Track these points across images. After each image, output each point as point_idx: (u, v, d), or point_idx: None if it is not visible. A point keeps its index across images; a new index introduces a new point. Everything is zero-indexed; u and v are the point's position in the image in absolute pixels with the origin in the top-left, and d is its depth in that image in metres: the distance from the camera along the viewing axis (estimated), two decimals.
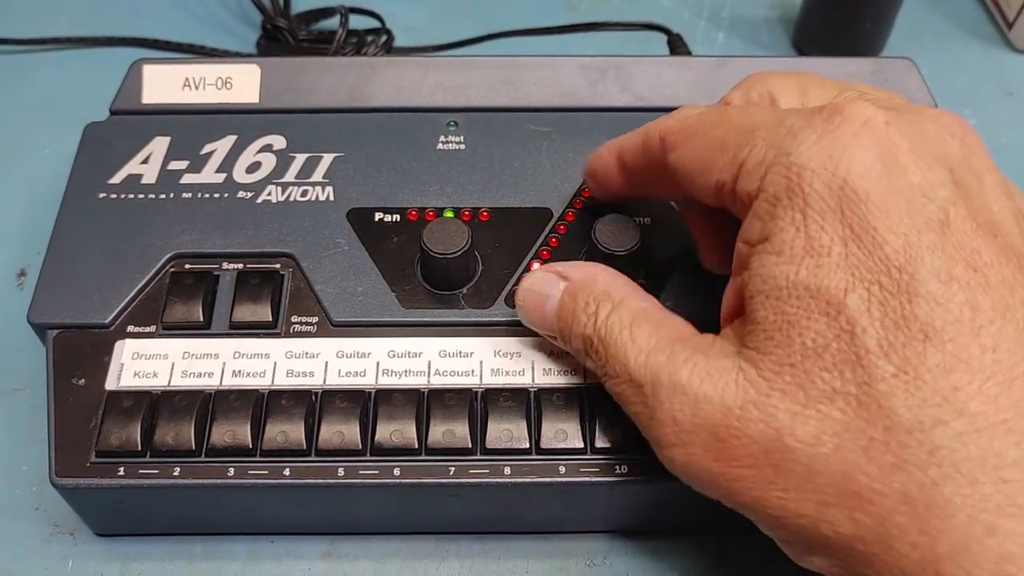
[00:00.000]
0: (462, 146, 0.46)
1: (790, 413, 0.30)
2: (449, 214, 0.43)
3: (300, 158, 0.45)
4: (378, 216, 0.43)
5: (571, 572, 0.41)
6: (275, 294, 0.41)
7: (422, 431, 0.38)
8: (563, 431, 0.38)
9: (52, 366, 0.39)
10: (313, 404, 0.39)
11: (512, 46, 0.59)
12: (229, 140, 0.45)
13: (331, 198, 0.44)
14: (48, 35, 0.61)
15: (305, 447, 0.38)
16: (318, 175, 0.45)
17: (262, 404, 0.39)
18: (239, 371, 0.39)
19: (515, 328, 0.41)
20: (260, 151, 0.45)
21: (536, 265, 0.42)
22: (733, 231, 0.34)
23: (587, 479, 0.38)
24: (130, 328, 0.40)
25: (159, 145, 0.45)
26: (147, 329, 0.40)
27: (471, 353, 0.40)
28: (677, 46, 0.56)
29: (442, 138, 0.46)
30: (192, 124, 0.46)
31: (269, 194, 0.44)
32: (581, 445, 0.38)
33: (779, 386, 0.30)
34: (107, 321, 0.40)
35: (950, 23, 0.64)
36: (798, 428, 0.29)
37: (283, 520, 0.41)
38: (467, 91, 0.47)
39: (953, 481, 0.27)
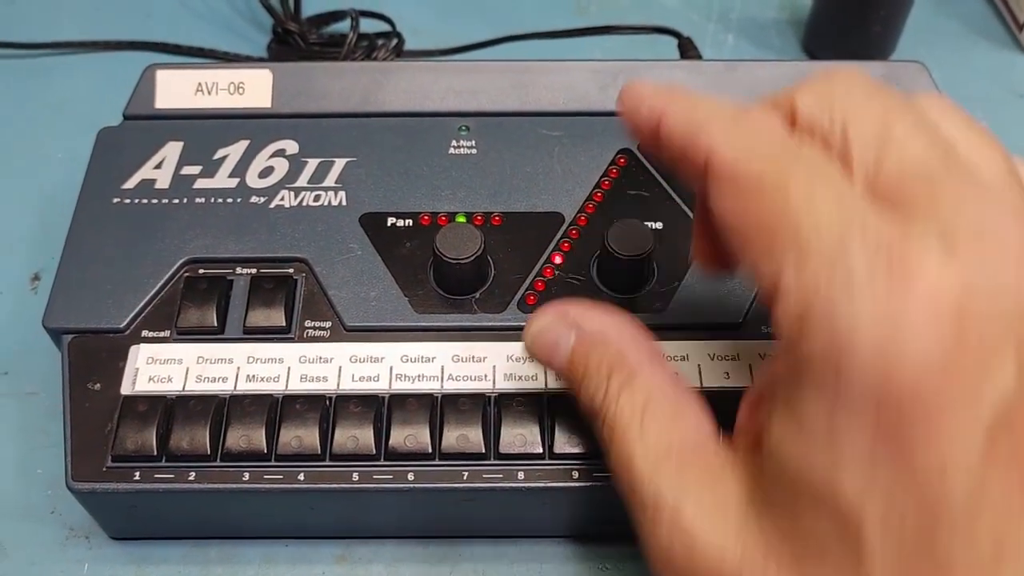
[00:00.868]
0: (474, 150, 0.46)
1: None
2: (461, 219, 0.44)
3: (312, 163, 0.45)
4: (391, 221, 0.43)
5: None
6: (288, 299, 0.41)
7: (436, 436, 0.38)
8: (576, 436, 0.38)
9: (67, 371, 0.40)
10: (327, 409, 0.39)
11: (522, 49, 0.59)
12: (242, 145, 0.46)
13: (344, 203, 0.44)
14: (61, 39, 0.61)
15: (319, 452, 0.38)
16: (330, 180, 0.45)
17: (276, 409, 0.39)
18: (253, 376, 0.40)
19: None
20: (273, 156, 0.45)
21: (548, 270, 0.42)
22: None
23: (600, 483, 0.38)
24: (145, 333, 0.41)
25: (172, 150, 0.46)
26: (162, 334, 0.41)
27: (484, 358, 0.40)
28: (687, 49, 0.56)
29: (454, 142, 0.46)
30: (205, 129, 0.46)
31: (282, 199, 0.44)
32: (594, 450, 0.38)
33: (776, 561, 0.27)
34: (122, 326, 0.40)
35: (960, 25, 0.64)
36: None
37: (297, 524, 0.41)
38: (478, 95, 0.47)
39: None
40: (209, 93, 0.47)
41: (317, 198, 0.44)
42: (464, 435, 0.38)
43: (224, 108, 0.47)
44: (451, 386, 0.39)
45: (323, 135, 0.46)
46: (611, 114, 0.47)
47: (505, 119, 0.47)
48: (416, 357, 0.40)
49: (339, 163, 0.45)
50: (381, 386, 0.39)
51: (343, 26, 0.60)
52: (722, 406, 0.39)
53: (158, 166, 0.45)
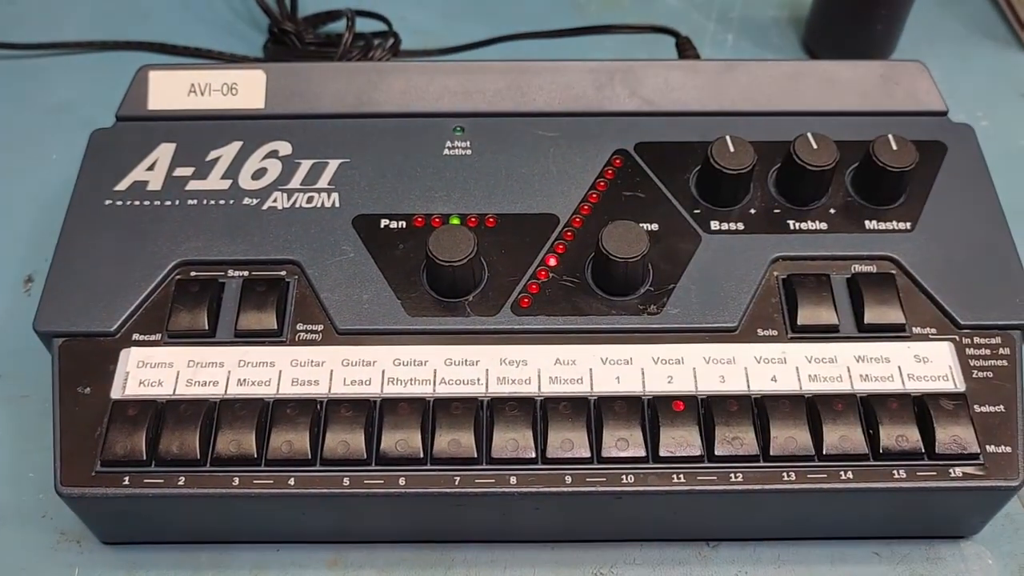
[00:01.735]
0: (468, 151, 0.46)
1: None
2: (455, 221, 0.43)
3: (306, 164, 0.45)
4: (384, 223, 0.43)
5: None
6: (280, 302, 0.41)
7: (427, 440, 0.38)
8: (569, 440, 0.38)
9: (58, 375, 0.39)
10: (318, 413, 0.38)
11: (520, 49, 0.59)
12: (235, 146, 0.45)
13: (337, 205, 0.44)
14: (57, 39, 0.61)
15: (310, 456, 0.38)
16: (324, 181, 0.44)
17: (267, 413, 0.38)
18: (244, 380, 0.39)
19: (521, 336, 0.40)
20: (266, 157, 0.45)
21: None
22: None
23: (594, 489, 0.37)
24: (135, 336, 0.40)
25: (165, 151, 0.45)
26: (152, 337, 0.40)
27: (477, 361, 0.40)
28: (685, 49, 0.56)
29: (448, 143, 0.46)
30: (198, 130, 0.46)
31: (275, 201, 0.44)
32: (588, 455, 0.38)
33: None
34: (112, 329, 0.40)
35: (962, 24, 0.64)
36: None
37: (289, 529, 0.40)
38: (473, 96, 0.47)
39: None
40: (202, 94, 0.47)
41: (310, 200, 0.44)
42: (456, 440, 0.38)
43: (217, 109, 0.47)
44: (443, 390, 0.39)
45: (316, 136, 0.46)
46: (607, 114, 0.47)
47: (500, 119, 0.47)
48: (408, 361, 0.40)
49: (332, 164, 0.45)
50: (373, 390, 0.39)
51: (339, 26, 0.59)
52: (717, 410, 0.38)
53: (150, 168, 0.45)
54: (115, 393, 0.39)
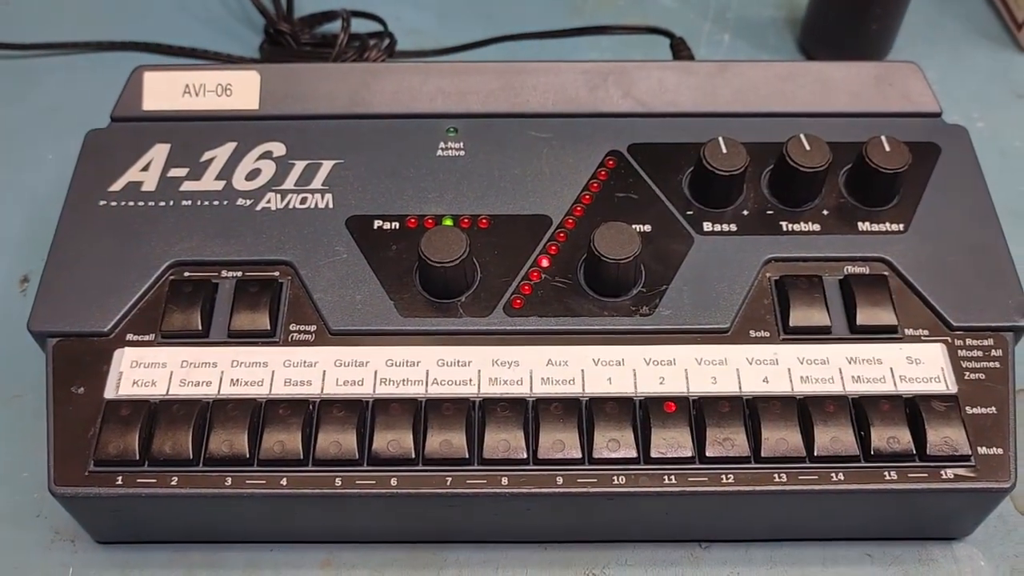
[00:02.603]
0: (462, 152, 0.46)
1: None
2: (448, 222, 0.43)
3: (299, 165, 0.45)
4: (377, 224, 0.43)
5: None
6: (274, 302, 0.41)
7: (419, 441, 0.38)
8: (561, 441, 0.38)
9: (51, 375, 0.39)
10: (311, 413, 0.39)
11: (515, 49, 0.59)
12: (229, 147, 0.45)
13: (330, 205, 0.44)
14: (53, 40, 0.61)
15: (302, 456, 0.38)
16: (317, 182, 0.44)
17: (260, 413, 0.39)
18: (237, 380, 0.39)
19: (514, 337, 0.40)
20: (259, 158, 0.45)
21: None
22: None
23: (585, 490, 0.37)
24: (129, 336, 0.40)
25: (159, 152, 0.45)
26: (146, 337, 0.40)
27: (469, 362, 0.40)
28: (680, 50, 0.56)
29: (442, 144, 0.46)
30: (192, 131, 0.46)
31: (268, 201, 0.44)
32: (579, 456, 0.38)
33: None
34: (106, 329, 0.40)
35: (958, 24, 0.64)
36: None
37: (281, 528, 0.41)
38: (467, 97, 0.47)
39: None
40: (196, 95, 0.47)
41: (304, 200, 0.44)
42: (448, 440, 0.38)
43: (211, 110, 0.47)
44: (435, 391, 0.39)
45: (310, 137, 0.46)
46: (601, 115, 0.47)
47: (494, 121, 0.47)
48: (401, 361, 0.40)
49: (326, 165, 0.45)
50: (365, 390, 0.39)
51: (335, 26, 0.59)
52: (708, 411, 0.38)
53: (145, 168, 0.45)
54: (108, 393, 0.39)
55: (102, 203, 0.44)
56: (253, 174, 0.45)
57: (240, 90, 0.47)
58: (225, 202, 0.44)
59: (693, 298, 0.41)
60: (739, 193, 0.44)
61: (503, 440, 0.38)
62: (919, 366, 0.40)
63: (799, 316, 0.41)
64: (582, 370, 0.40)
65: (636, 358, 0.40)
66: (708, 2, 0.65)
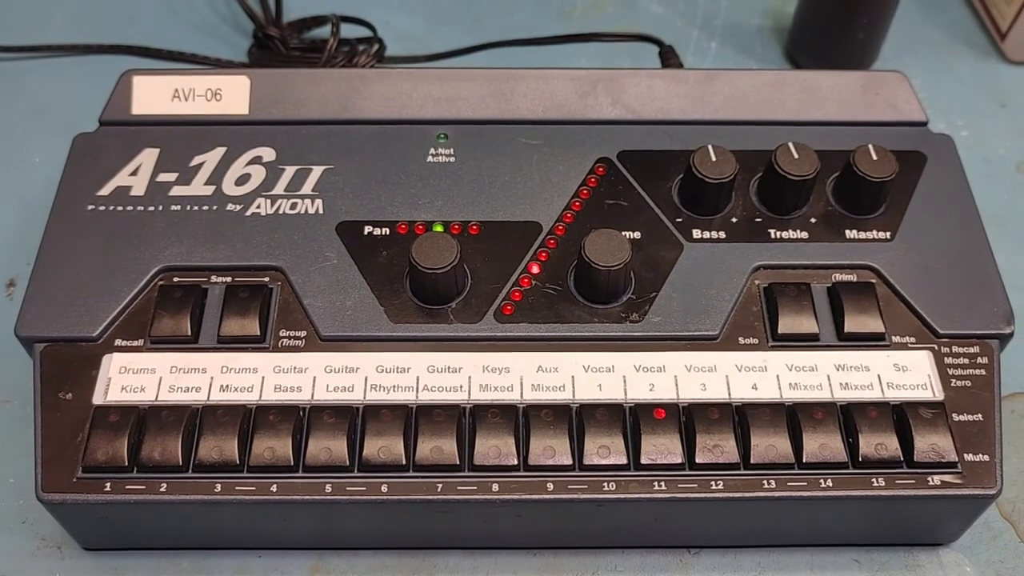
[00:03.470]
0: (452, 159, 0.46)
1: None
2: (439, 228, 0.43)
3: (290, 170, 0.45)
4: (367, 229, 0.43)
5: None
6: (263, 308, 0.41)
7: (410, 447, 0.38)
8: (551, 448, 0.38)
9: (39, 380, 0.39)
10: (301, 420, 0.38)
11: (505, 56, 0.59)
12: (218, 152, 0.45)
13: (320, 211, 0.44)
14: (41, 42, 0.61)
15: (292, 463, 0.38)
16: (307, 188, 0.44)
17: (249, 419, 0.38)
18: (227, 386, 0.39)
19: (504, 343, 0.40)
20: (249, 163, 0.45)
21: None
22: None
23: (575, 496, 0.38)
24: (118, 342, 0.40)
25: (148, 157, 0.45)
26: (135, 343, 0.40)
27: (459, 368, 0.40)
28: (669, 58, 0.56)
29: (432, 151, 0.46)
30: (181, 135, 0.46)
31: (258, 207, 0.44)
32: (569, 462, 0.38)
33: None
34: (95, 335, 0.40)
35: (943, 34, 0.64)
36: None
37: (271, 535, 0.40)
38: (457, 103, 0.47)
39: None
40: (186, 99, 0.47)
41: (294, 206, 0.44)
42: (438, 447, 0.38)
43: (201, 115, 0.46)
44: (426, 397, 0.39)
45: (301, 142, 0.46)
46: (590, 123, 0.47)
47: (484, 127, 0.47)
48: (391, 367, 0.40)
49: (316, 171, 0.45)
50: (356, 397, 0.39)
51: (324, 32, 0.59)
52: (698, 418, 0.39)
53: (134, 173, 0.45)
54: (97, 399, 0.39)
55: (90, 208, 0.44)
56: (243, 179, 0.45)
57: (230, 95, 0.47)
58: (215, 207, 0.44)
59: (682, 305, 0.41)
60: (728, 201, 0.44)
61: (493, 447, 0.38)
62: (906, 373, 0.40)
63: (787, 323, 0.41)
64: (572, 377, 0.40)
65: (626, 365, 0.40)
66: (696, 10, 0.65)
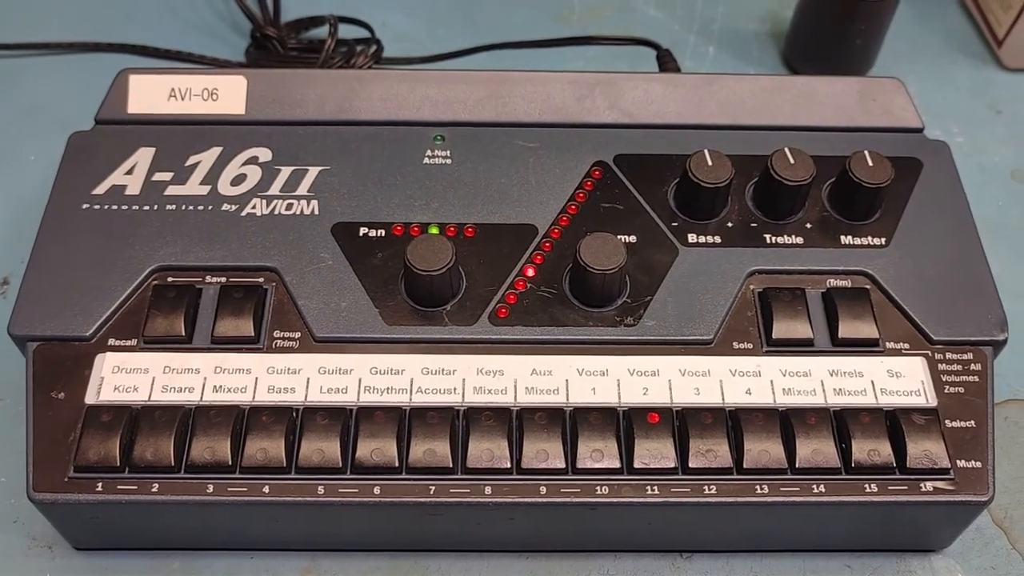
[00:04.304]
0: (448, 161, 0.46)
1: None
2: (434, 230, 0.43)
3: (285, 171, 0.45)
4: (363, 231, 0.43)
5: None
6: (258, 309, 0.41)
7: (403, 449, 0.38)
8: (544, 451, 0.38)
9: (31, 379, 0.39)
10: (294, 421, 0.38)
11: (502, 58, 0.59)
12: (214, 152, 0.45)
13: (316, 212, 0.44)
14: (38, 39, 0.61)
15: (285, 464, 0.37)
16: (303, 188, 0.44)
17: (242, 420, 0.38)
18: (220, 386, 0.39)
19: (498, 346, 0.40)
20: (245, 163, 0.45)
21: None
22: None
23: (568, 500, 0.37)
24: (111, 341, 0.40)
25: (144, 156, 0.45)
26: (128, 342, 0.40)
27: (454, 371, 0.40)
28: (666, 62, 0.56)
29: (428, 152, 0.46)
30: (177, 135, 0.46)
31: (254, 207, 0.44)
32: (563, 465, 0.38)
33: None
34: (88, 334, 0.40)
35: (940, 40, 0.64)
36: None
37: (263, 536, 0.40)
38: (454, 105, 0.47)
39: None
40: (182, 99, 0.47)
41: (289, 207, 0.44)
42: (431, 449, 0.38)
43: (197, 114, 0.46)
44: (420, 399, 0.39)
45: (297, 143, 0.46)
46: (587, 126, 0.47)
47: (481, 129, 0.47)
48: (385, 369, 0.40)
49: (312, 172, 0.45)
50: (349, 398, 0.39)
51: (322, 32, 0.59)
52: (691, 422, 0.39)
53: (129, 172, 0.45)
54: (89, 398, 0.39)
55: (85, 206, 0.44)
56: (238, 179, 0.45)
57: (227, 95, 0.47)
58: (210, 207, 0.44)
59: (677, 309, 0.41)
60: (724, 205, 0.44)
61: (487, 449, 0.38)
62: (900, 379, 0.40)
63: (782, 328, 0.41)
64: (566, 380, 0.40)
65: (620, 368, 0.40)
66: (693, 15, 0.65)
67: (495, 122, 0.47)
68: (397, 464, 0.38)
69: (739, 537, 0.41)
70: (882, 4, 0.56)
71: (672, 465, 0.38)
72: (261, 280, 0.42)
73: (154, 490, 0.37)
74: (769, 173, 0.43)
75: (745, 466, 0.38)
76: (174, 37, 0.61)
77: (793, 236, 0.44)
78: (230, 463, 0.37)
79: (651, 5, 0.66)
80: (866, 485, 0.38)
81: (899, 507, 0.38)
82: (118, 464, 0.37)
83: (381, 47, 0.59)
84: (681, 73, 0.54)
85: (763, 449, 0.38)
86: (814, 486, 0.38)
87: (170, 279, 0.42)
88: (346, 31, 0.59)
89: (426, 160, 0.46)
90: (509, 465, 0.38)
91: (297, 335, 0.41)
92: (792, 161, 0.43)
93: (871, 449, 0.38)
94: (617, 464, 0.38)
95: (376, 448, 0.38)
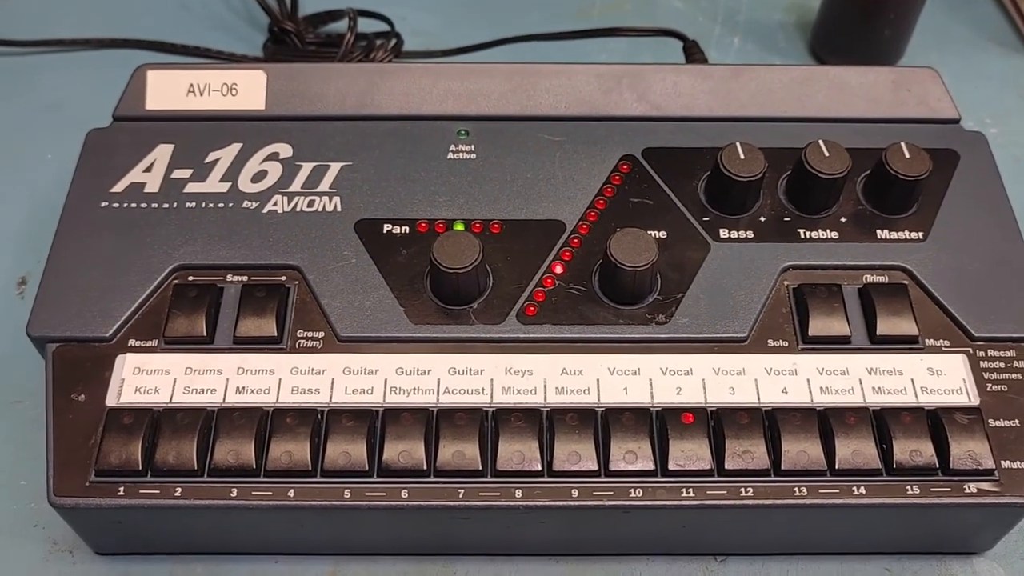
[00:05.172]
0: (473, 155, 0.45)
1: None
2: (459, 226, 0.42)
3: (307, 167, 0.44)
4: (387, 228, 0.42)
5: None
6: (280, 308, 0.40)
7: (431, 452, 0.37)
8: (576, 453, 0.37)
9: (51, 381, 0.38)
10: (319, 423, 0.37)
11: (524, 51, 0.58)
12: (234, 148, 0.44)
13: (338, 209, 0.43)
14: (53, 36, 0.60)
15: (310, 467, 0.37)
16: (325, 185, 0.43)
17: (266, 422, 0.37)
18: (243, 388, 0.38)
19: (527, 344, 0.39)
20: (266, 159, 0.44)
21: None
22: None
23: (601, 503, 0.37)
24: (131, 342, 0.39)
25: (162, 153, 0.44)
26: (149, 343, 0.39)
27: (481, 371, 0.39)
28: (693, 53, 0.55)
29: (452, 147, 0.45)
30: (196, 131, 0.45)
31: (275, 204, 0.43)
32: (595, 468, 0.37)
33: None
34: (108, 335, 0.39)
35: (970, 30, 0.63)
36: None
37: (287, 540, 0.40)
38: (478, 99, 0.46)
39: None
40: (201, 94, 0.46)
41: (311, 203, 0.43)
42: (460, 451, 0.37)
43: (216, 110, 0.46)
44: (447, 400, 0.38)
45: (318, 138, 0.45)
46: (614, 119, 0.46)
47: (505, 123, 0.46)
48: (411, 370, 0.39)
49: (334, 168, 0.44)
50: (375, 399, 0.38)
51: (341, 26, 0.58)
52: (727, 423, 0.38)
53: (148, 169, 0.44)
54: (110, 400, 0.38)
55: (104, 204, 0.43)
56: (259, 176, 0.44)
57: (246, 90, 0.46)
58: (230, 204, 0.43)
59: (710, 306, 0.40)
60: (756, 199, 0.43)
61: (517, 451, 0.37)
62: (940, 377, 0.39)
63: (818, 325, 0.40)
64: (597, 379, 0.39)
65: (652, 367, 0.39)
66: (718, 5, 0.64)
67: (520, 116, 0.46)
68: (425, 467, 0.37)
69: (775, 540, 0.40)
70: None
71: (708, 467, 0.37)
72: (283, 279, 0.41)
73: (177, 494, 0.36)
74: (803, 166, 0.42)
75: (783, 467, 0.37)
76: (191, 32, 0.60)
77: (828, 230, 0.43)
78: (254, 466, 0.37)
79: None
80: (908, 487, 0.37)
81: (942, 509, 0.37)
82: (140, 468, 0.36)
83: (401, 41, 0.58)
84: (709, 64, 0.53)
85: (801, 450, 0.37)
86: (854, 488, 0.37)
87: (191, 278, 0.41)
88: (365, 25, 0.58)
89: (450, 155, 0.45)
90: (540, 467, 0.37)
91: (321, 335, 0.40)
92: (827, 154, 0.42)
93: (913, 450, 0.37)
94: (651, 466, 0.37)
95: (403, 450, 0.37)
